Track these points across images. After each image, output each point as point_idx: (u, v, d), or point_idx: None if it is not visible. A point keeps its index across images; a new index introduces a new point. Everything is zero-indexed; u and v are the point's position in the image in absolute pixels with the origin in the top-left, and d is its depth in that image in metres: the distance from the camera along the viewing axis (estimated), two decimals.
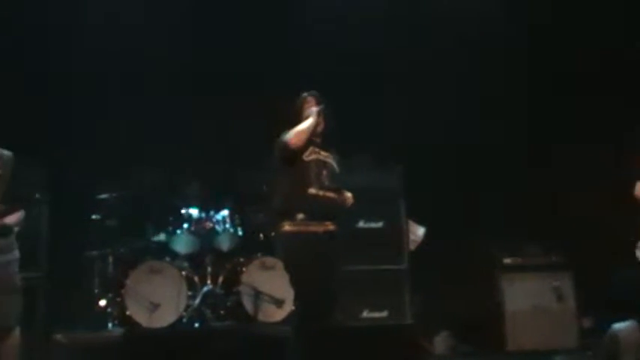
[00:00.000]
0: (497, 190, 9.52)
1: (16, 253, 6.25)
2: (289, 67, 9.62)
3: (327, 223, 6.41)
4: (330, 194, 6.44)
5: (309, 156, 6.44)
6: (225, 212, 9.10)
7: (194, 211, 9.08)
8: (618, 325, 5.46)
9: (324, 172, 6.45)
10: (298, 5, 9.76)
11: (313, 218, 6.34)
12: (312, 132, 6.42)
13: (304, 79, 8.31)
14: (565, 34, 9.68)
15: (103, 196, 8.96)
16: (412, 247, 8.68)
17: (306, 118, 6.44)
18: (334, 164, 6.56)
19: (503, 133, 9.66)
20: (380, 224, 8.66)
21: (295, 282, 6.33)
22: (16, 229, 6.34)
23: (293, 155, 6.38)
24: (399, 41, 9.80)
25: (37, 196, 7.77)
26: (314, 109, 6.44)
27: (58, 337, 7.98)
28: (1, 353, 6.19)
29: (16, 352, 6.26)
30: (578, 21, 9.55)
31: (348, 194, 6.57)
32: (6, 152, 6.23)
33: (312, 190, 6.36)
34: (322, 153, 6.51)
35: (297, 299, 6.43)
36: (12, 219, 6.24)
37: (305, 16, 9.70)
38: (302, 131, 6.37)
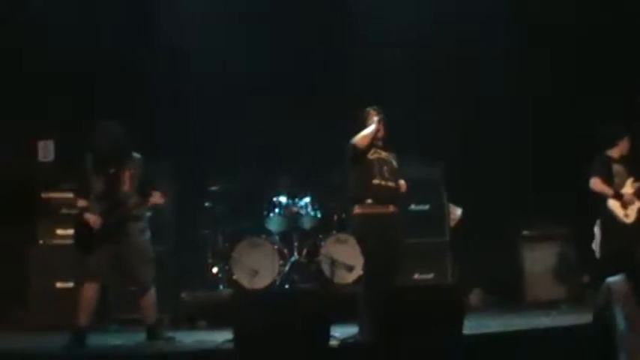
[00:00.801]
0: (518, 180, 9.30)
1: (149, 233, 6.47)
2: (357, 78, 9.54)
3: (389, 206, 6.42)
4: (390, 184, 6.43)
5: (372, 155, 6.45)
6: (307, 199, 9.03)
7: (283, 199, 9.01)
8: (611, 279, 5.22)
9: (385, 167, 6.44)
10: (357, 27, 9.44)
11: (378, 203, 6.36)
12: (374, 137, 6.44)
13: (373, 88, 8.65)
14: None
15: (214, 187, 8.99)
16: (452, 224, 8.65)
17: (369, 126, 6.45)
18: (393, 161, 6.55)
19: (531, 133, 9.47)
20: (427, 207, 8.63)
21: (364, 252, 6.42)
22: (148, 214, 6.55)
23: (359, 154, 6.42)
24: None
25: (165, 188, 7.55)
26: (375, 119, 6.45)
27: (183, 295, 8.26)
28: (142, 306, 6.44)
29: (154, 306, 6.46)
30: None
31: (403, 183, 6.57)
32: (137, 155, 6.39)
33: (376, 181, 6.36)
34: (383, 153, 6.52)
35: (365, 266, 6.47)
36: (154, 203, 6.40)
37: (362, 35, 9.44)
38: (366, 136, 6.40)
